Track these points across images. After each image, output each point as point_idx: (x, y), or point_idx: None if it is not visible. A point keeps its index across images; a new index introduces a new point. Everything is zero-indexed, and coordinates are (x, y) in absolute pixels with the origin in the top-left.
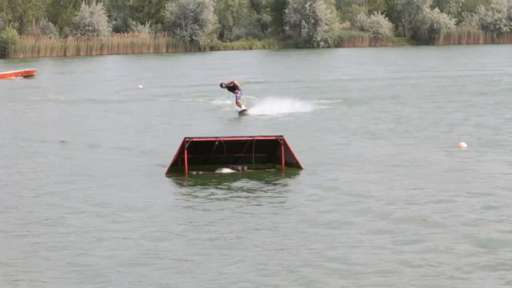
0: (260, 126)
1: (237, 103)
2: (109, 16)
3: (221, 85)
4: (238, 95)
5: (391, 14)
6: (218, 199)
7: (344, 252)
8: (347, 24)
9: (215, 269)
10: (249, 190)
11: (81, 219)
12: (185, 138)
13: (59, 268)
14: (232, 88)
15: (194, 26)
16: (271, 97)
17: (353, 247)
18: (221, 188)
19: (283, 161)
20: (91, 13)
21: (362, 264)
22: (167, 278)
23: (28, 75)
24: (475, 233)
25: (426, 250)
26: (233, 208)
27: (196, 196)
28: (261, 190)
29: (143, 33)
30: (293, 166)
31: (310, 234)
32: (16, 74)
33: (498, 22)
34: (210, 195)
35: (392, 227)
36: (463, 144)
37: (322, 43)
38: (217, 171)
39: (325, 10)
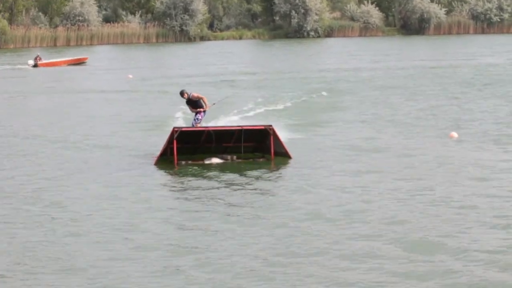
0: (250, 117)
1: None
2: (99, 6)
3: (181, 94)
4: (199, 117)
5: (382, 3)
6: (207, 189)
7: (328, 241)
8: (337, 14)
9: (203, 259)
10: (238, 180)
11: (72, 209)
12: (174, 128)
13: (48, 261)
14: (196, 104)
15: (184, 16)
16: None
17: (337, 238)
18: (210, 178)
19: (272, 150)
20: (82, 3)
21: (342, 255)
22: (156, 270)
23: (80, 63)
24: (465, 224)
25: (418, 242)
26: (222, 198)
27: (186, 186)
28: (250, 180)
29: (133, 23)
30: (282, 155)
31: (297, 225)
32: (68, 62)
33: (489, 12)
34: (199, 184)
35: (378, 216)
36: (455, 134)
37: (312, 33)
38: (206, 161)
39: (315, 0)
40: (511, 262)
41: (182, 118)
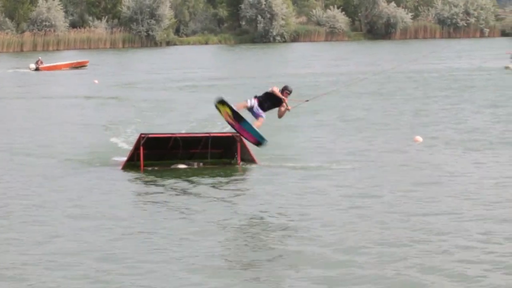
0: (217, 124)
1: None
2: (66, 12)
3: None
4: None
5: (348, 8)
6: (172, 194)
7: (294, 245)
8: (303, 18)
9: (165, 264)
10: (202, 186)
11: (37, 214)
12: (141, 134)
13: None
14: (277, 100)
15: (150, 21)
16: None
17: (302, 240)
18: (175, 184)
19: (239, 157)
20: (48, 8)
21: (309, 258)
22: (116, 273)
23: (80, 66)
24: (428, 227)
25: (362, 247)
26: (187, 204)
27: (151, 191)
28: (214, 186)
29: (100, 28)
30: (249, 161)
31: (262, 229)
32: (70, 65)
33: (455, 16)
34: (164, 190)
35: (345, 220)
36: (419, 138)
37: (278, 38)
38: (173, 167)
39: (281, 4)
40: (456, 268)
41: (141, 123)
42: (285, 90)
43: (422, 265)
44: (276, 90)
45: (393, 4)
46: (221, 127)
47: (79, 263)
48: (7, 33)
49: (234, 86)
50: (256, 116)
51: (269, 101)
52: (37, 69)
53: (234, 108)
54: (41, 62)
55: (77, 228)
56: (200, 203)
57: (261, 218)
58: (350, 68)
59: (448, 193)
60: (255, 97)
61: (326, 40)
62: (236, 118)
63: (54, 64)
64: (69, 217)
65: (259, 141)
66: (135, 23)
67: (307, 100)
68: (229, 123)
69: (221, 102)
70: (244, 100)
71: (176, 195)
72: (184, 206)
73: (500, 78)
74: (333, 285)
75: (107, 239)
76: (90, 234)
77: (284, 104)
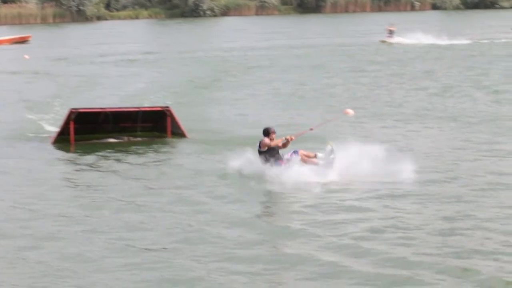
0: (150, 98)
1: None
2: None
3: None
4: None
5: None
6: (100, 168)
7: (211, 223)
8: None
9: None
10: (132, 160)
11: None
12: (71, 109)
13: None
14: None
15: None
16: None
17: (220, 217)
18: (104, 157)
19: (168, 131)
20: None
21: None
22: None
23: (22, 41)
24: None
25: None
26: (114, 178)
27: (80, 165)
28: (142, 159)
29: (30, 3)
30: (179, 135)
31: (185, 208)
32: (12, 40)
33: None
34: (93, 163)
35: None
36: (350, 111)
37: (208, 12)
38: (103, 141)
39: None
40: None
41: (72, 98)
42: (269, 133)
43: None
44: (267, 142)
45: None
46: (152, 101)
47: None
48: None
49: (165, 60)
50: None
51: (269, 155)
52: None
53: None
54: None
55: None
56: (126, 177)
57: (185, 192)
58: (281, 42)
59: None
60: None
61: (256, 14)
62: None
63: None
64: None
65: None
66: None
67: (311, 129)
68: None
69: None
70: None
71: (105, 170)
72: (109, 182)
73: (374, 51)
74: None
75: (30, 217)
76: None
77: (281, 145)
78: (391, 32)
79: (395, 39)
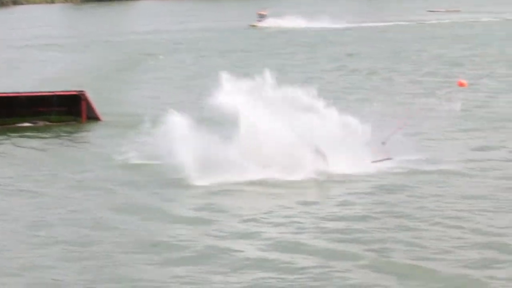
0: (67, 82)
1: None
2: None
3: None
4: None
5: None
6: (14, 154)
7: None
8: None
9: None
10: (45, 143)
11: None
12: None
13: None
14: None
15: None
16: None
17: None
18: (18, 143)
19: (83, 115)
20: None
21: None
22: None
23: None
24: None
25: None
26: (29, 162)
27: None
28: (56, 143)
29: None
30: (94, 119)
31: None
32: None
33: None
34: (6, 149)
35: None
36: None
37: None
38: (18, 125)
39: None
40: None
41: None
42: None
43: None
44: None
45: None
46: (67, 86)
47: None
48: None
49: (81, 45)
50: None
51: None
52: None
53: None
54: None
55: None
56: (28, 162)
57: (87, 176)
58: (196, 25)
59: None
60: None
61: None
62: None
63: None
64: None
65: None
66: None
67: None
68: None
69: None
70: None
71: (19, 154)
72: (28, 167)
73: (243, 35)
74: None
75: None
76: None
77: None
78: (261, 16)
79: (266, 23)
